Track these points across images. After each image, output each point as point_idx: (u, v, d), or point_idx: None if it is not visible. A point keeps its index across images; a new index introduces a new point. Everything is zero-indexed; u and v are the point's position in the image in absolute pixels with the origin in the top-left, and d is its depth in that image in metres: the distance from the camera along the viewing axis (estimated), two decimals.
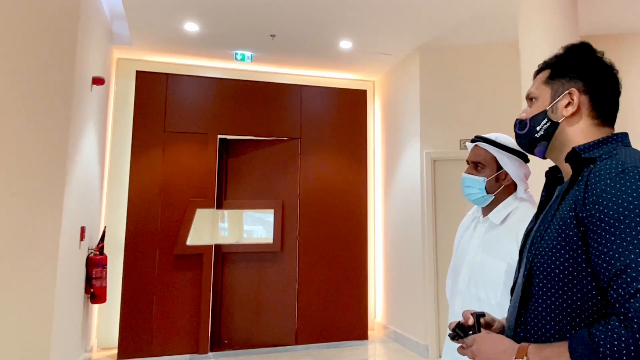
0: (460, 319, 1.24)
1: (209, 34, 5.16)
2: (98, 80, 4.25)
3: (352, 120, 6.10)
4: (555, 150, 1.21)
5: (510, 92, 5.06)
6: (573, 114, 1.16)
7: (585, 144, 1.12)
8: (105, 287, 4.48)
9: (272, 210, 5.69)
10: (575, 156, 1.11)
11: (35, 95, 3.17)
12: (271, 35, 5.18)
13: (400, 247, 5.80)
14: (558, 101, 1.18)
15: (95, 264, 4.38)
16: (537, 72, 1.27)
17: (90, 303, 4.58)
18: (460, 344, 1.20)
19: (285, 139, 5.85)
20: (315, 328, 5.61)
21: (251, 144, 5.83)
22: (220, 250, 5.53)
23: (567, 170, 1.18)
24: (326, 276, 5.74)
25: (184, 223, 5.27)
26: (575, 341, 0.93)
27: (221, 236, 5.72)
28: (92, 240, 4.61)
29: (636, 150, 1.08)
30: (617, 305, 0.90)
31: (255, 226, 5.99)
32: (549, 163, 1.28)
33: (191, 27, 4.96)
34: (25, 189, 3.09)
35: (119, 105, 5.73)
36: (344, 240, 5.86)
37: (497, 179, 1.82)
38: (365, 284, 5.90)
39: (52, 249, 3.20)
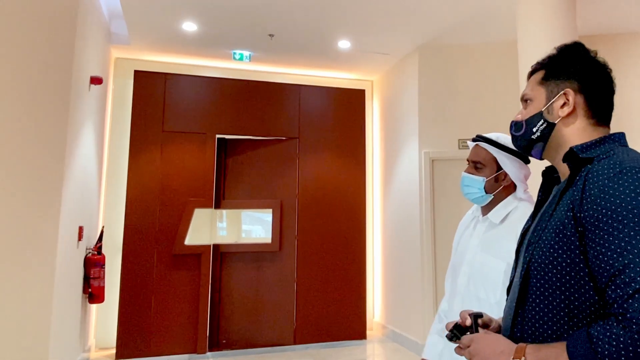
0: (458, 318, 1.24)
1: (208, 34, 5.16)
2: (96, 80, 4.24)
3: (350, 120, 6.10)
4: (552, 151, 1.20)
5: (509, 91, 5.06)
6: (569, 115, 1.16)
7: (582, 144, 1.12)
8: (104, 287, 4.47)
9: (271, 210, 5.69)
10: (573, 156, 1.10)
11: (33, 94, 3.17)
12: (269, 35, 5.17)
13: (399, 246, 5.80)
14: (553, 102, 1.18)
15: (94, 263, 4.37)
16: (531, 73, 1.27)
17: (88, 303, 4.57)
18: (457, 345, 1.19)
19: (284, 138, 5.84)
20: (314, 328, 5.61)
21: (249, 143, 5.82)
22: (219, 250, 5.53)
23: (564, 171, 1.17)
24: (325, 276, 5.74)
25: (182, 223, 5.27)
26: (574, 341, 0.93)
27: (219, 236, 5.72)
28: (90, 240, 4.60)
29: (634, 150, 1.08)
30: (615, 305, 0.90)
31: (253, 226, 5.99)
32: (548, 163, 1.28)
33: (189, 26, 4.95)
34: (23, 189, 3.09)
35: (117, 104, 5.72)
36: (342, 240, 5.86)
37: (496, 179, 1.82)
38: (364, 283, 5.90)
39: (50, 249, 3.19)
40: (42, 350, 3.09)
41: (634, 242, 0.91)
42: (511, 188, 1.85)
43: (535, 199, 1.55)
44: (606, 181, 0.98)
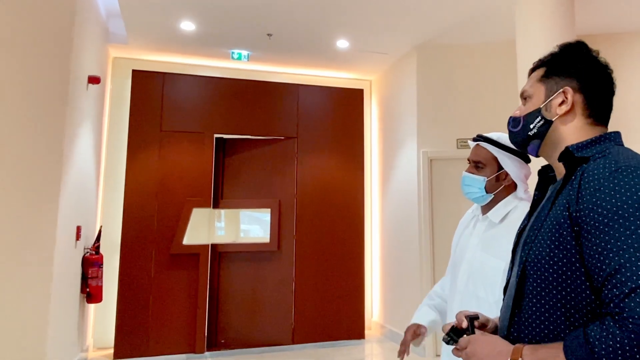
0: (455, 320, 1.24)
1: (206, 33, 5.15)
2: (94, 79, 4.23)
3: (349, 120, 6.10)
4: (548, 148, 1.20)
5: (508, 91, 5.06)
6: (567, 113, 1.16)
7: (578, 143, 1.12)
8: (101, 286, 4.47)
9: (269, 210, 5.69)
10: (569, 155, 1.10)
11: (30, 94, 3.16)
12: (268, 35, 5.17)
13: (397, 245, 5.80)
14: (552, 99, 1.18)
15: (91, 263, 4.37)
16: (532, 70, 1.27)
17: (86, 303, 4.57)
18: (455, 347, 1.19)
19: (282, 138, 5.84)
20: (312, 327, 5.61)
21: (248, 143, 5.82)
22: (217, 250, 5.53)
23: (560, 169, 1.17)
24: (323, 275, 5.74)
25: (181, 222, 5.26)
26: (571, 341, 0.93)
27: (218, 235, 5.71)
28: (88, 240, 4.59)
29: (629, 150, 1.08)
30: (611, 305, 0.90)
31: (251, 225, 5.99)
32: (544, 161, 1.28)
33: (187, 26, 4.95)
34: (21, 189, 3.08)
35: (115, 104, 5.71)
36: (341, 240, 5.86)
37: (497, 178, 1.83)
38: (362, 283, 5.90)
39: (48, 249, 3.19)
40: (39, 350, 3.09)
41: (629, 241, 0.91)
42: (511, 187, 1.85)
43: None
44: (602, 180, 0.98)
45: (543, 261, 1.06)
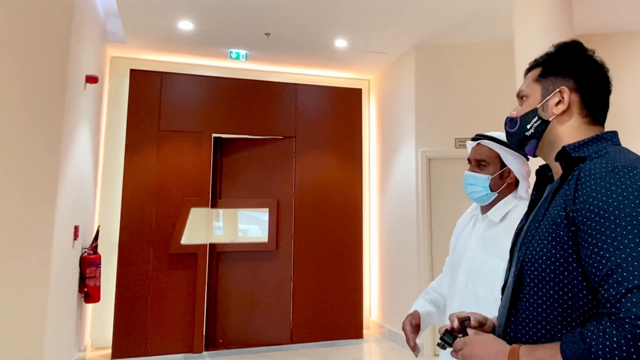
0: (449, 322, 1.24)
1: (204, 33, 5.14)
2: (92, 79, 4.22)
3: (347, 119, 6.10)
4: (545, 148, 1.20)
5: (506, 90, 5.06)
6: (563, 113, 1.16)
7: (575, 143, 1.12)
8: (99, 286, 4.46)
9: (267, 209, 5.68)
10: (565, 155, 1.10)
11: (28, 93, 3.15)
12: (266, 34, 5.16)
13: (396, 245, 5.80)
14: (548, 99, 1.17)
15: (89, 263, 4.36)
16: (528, 70, 1.27)
17: (84, 302, 4.56)
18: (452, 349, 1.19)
19: (280, 137, 5.84)
20: (310, 327, 5.61)
21: (246, 142, 5.81)
22: (215, 249, 5.52)
23: (557, 169, 1.17)
24: (321, 275, 5.74)
25: (179, 222, 5.26)
26: (567, 342, 0.93)
27: (216, 235, 5.71)
28: (85, 240, 4.59)
29: (626, 149, 1.08)
30: (608, 305, 0.90)
31: (250, 225, 5.98)
32: (542, 161, 1.27)
33: (185, 25, 4.94)
34: (18, 188, 3.07)
35: (113, 103, 5.71)
36: (339, 239, 5.86)
37: (501, 176, 1.83)
38: (361, 282, 5.90)
39: (46, 249, 3.18)
40: (37, 350, 3.08)
41: (626, 241, 0.91)
42: (512, 186, 1.85)
43: None
44: (598, 180, 0.98)
45: (540, 261, 1.05)
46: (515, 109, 1.26)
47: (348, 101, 6.14)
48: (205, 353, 5.24)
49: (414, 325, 1.87)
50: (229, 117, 5.62)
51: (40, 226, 3.16)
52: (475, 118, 5.28)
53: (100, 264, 4.49)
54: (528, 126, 1.20)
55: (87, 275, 4.33)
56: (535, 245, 1.08)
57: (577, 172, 1.04)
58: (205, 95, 5.57)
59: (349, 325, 5.74)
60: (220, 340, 5.45)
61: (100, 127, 5.37)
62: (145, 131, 5.31)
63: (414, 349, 1.81)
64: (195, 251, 5.30)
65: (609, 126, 1.18)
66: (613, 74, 1.19)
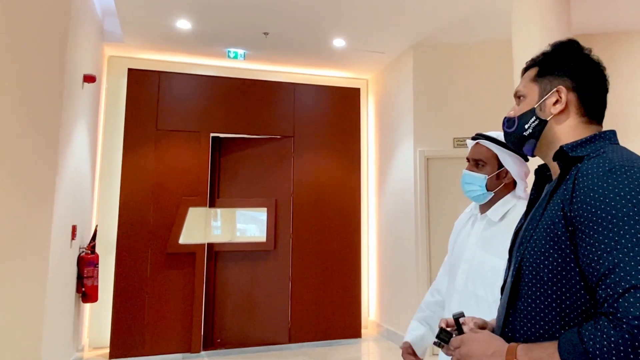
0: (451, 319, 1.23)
1: (202, 32, 5.14)
2: (89, 78, 4.21)
3: (345, 119, 6.10)
4: (543, 148, 1.20)
5: (504, 90, 5.06)
6: (561, 112, 1.15)
7: (573, 143, 1.11)
8: (97, 286, 4.45)
9: (265, 209, 5.68)
10: (563, 155, 1.10)
11: (25, 92, 3.14)
12: (264, 33, 5.16)
13: (394, 244, 5.80)
14: (546, 99, 1.17)
15: (87, 262, 4.35)
16: (525, 70, 1.26)
17: (81, 302, 4.55)
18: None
19: (279, 137, 5.83)
20: (309, 326, 5.61)
21: (244, 142, 5.81)
22: (213, 249, 5.51)
23: (555, 169, 1.17)
24: (319, 274, 5.73)
25: (177, 221, 5.25)
26: (565, 341, 0.92)
27: (214, 235, 5.70)
28: (83, 239, 4.58)
29: (624, 148, 1.08)
30: (605, 304, 0.90)
31: (248, 225, 5.98)
32: (541, 161, 1.27)
33: (183, 24, 4.93)
34: (16, 188, 3.06)
35: (111, 103, 5.69)
36: (337, 239, 5.86)
37: (497, 176, 1.83)
38: (359, 282, 5.90)
39: (43, 248, 3.17)
40: (35, 350, 3.07)
41: (623, 241, 0.90)
42: (511, 186, 1.85)
43: None
44: (595, 180, 0.98)
45: (538, 261, 1.05)
46: (512, 109, 1.26)
47: (346, 101, 6.14)
48: (203, 353, 5.23)
49: (412, 353, 1.92)
50: (227, 116, 5.61)
51: (37, 226, 3.16)
52: (474, 118, 5.28)
53: (97, 264, 4.48)
54: (526, 126, 1.20)
55: (85, 275, 4.32)
56: (533, 245, 1.08)
57: (574, 172, 1.04)
58: (203, 94, 5.56)
59: (347, 324, 5.74)
60: (219, 340, 5.44)
61: (97, 126, 5.36)
62: (143, 130, 5.30)
63: None
64: (193, 251, 5.29)
65: (607, 125, 1.18)
66: (611, 74, 1.19)
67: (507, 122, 1.25)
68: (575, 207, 0.99)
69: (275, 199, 5.70)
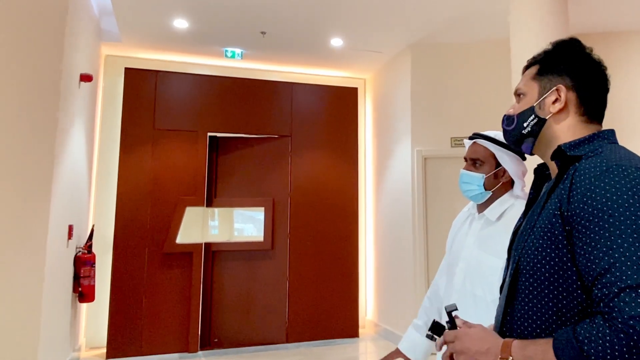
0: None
1: (199, 31, 5.13)
2: (86, 77, 4.20)
3: (343, 118, 6.09)
4: (542, 146, 1.20)
5: (501, 90, 5.07)
6: (560, 111, 1.15)
7: (571, 142, 1.11)
8: (94, 285, 4.44)
9: (263, 208, 5.67)
10: (561, 154, 1.10)
11: (22, 92, 3.13)
12: (262, 33, 5.15)
13: (391, 244, 5.80)
14: (545, 97, 1.17)
15: (84, 262, 4.33)
16: (526, 68, 1.26)
17: (78, 302, 4.54)
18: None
19: (276, 136, 5.83)
20: (306, 326, 5.61)
21: (241, 141, 5.80)
22: (210, 249, 5.51)
23: (554, 168, 1.17)
24: (317, 274, 5.73)
25: (174, 221, 5.24)
26: (560, 339, 0.93)
27: (211, 234, 5.69)
28: (80, 239, 4.56)
29: (622, 148, 1.07)
30: (601, 304, 0.90)
31: (245, 224, 5.97)
32: (540, 160, 1.27)
33: (181, 23, 4.92)
34: (12, 187, 3.05)
35: (108, 102, 5.68)
36: (335, 238, 5.86)
37: (495, 175, 1.83)
38: (356, 281, 5.90)
39: (40, 248, 3.16)
40: (31, 350, 3.06)
41: (619, 240, 0.90)
42: (508, 185, 1.86)
43: None
44: (592, 179, 0.98)
45: (535, 260, 1.05)
46: (512, 107, 1.25)
47: (344, 100, 6.13)
48: (200, 352, 5.23)
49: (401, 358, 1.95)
50: (225, 116, 5.61)
51: (34, 225, 3.15)
52: (471, 117, 5.28)
53: (94, 264, 4.46)
54: (525, 124, 1.20)
55: (82, 275, 4.31)
56: (531, 244, 1.08)
57: (572, 171, 1.04)
58: (200, 94, 5.56)
59: (344, 324, 5.74)
60: (216, 340, 5.44)
61: (94, 125, 5.34)
62: (140, 130, 5.29)
63: None
64: (190, 250, 5.28)
65: (603, 125, 1.18)
66: (609, 74, 1.19)
67: (507, 119, 1.25)
68: (572, 206, 0.99)
69: (272, 198, 5.70)
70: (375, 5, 4.50)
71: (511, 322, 1.10)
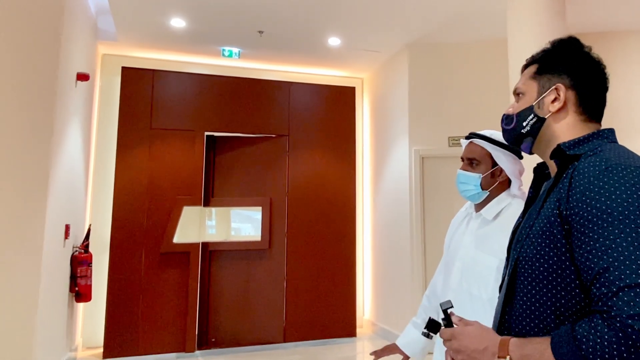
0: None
1: (196, 30, 5.11)
2: (82, 76, 4.19)
3: (340, 118, 6.09)
4: (541, 146, 1.20)
5: (499, 89, 5.07)
6: (559, 110, 1.15)
7: (570, 141, 1.11)
8: (91, 285, 4.42)
9: (260, 208, 5.67)
10: (560, 153, 1.10)
11: (18, 91, 3.12)
12: (259, 32, 5.14)
13: (389, 243, 5.80)
14: (544, 96, 1.17)
15: (80, 262, 4.32)
16: (525, 67, 1.26)
17: (75, 302, 4.53)
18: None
19: (273, 136, 5.82)
20: (304, 326, 5.60)
21: (239, 141, 5.79)
22: (208, 248, 5.50)
23: (553, 167, 1.17)
24: (314, 274, 5.73)
25: (171, 221, 5.23)
26: (558, 338, 0.92)
27: (208, 234, 5.69)
28: (77, 239, 4.55)
29: (622, 147, 1.07)
30: (600, 303, 0.90)
31: (243, 224, 5.97)
32: (540, 159, 1.27)
33: (178, 22, 4.91)
34: (8, 187, 3.04)
35: (104, 101, 5.66)
36: (332, 238, 5.85)
37: (492, 175, 1.83)
38: (354, 281, 5.90)
39: (36, 247, 3.15)
40: (27, 350, 3.05)
41: (618, 240, 0.90)
42: (505, 184, 1.86)
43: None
44: (592, 179, 0.98)
45: (534, 259, 1.05)
46: (511, 106, 1.25)
47: (341, 99, 6.13)
48: (197, 352, 5.22)
49: (389, 351, 1.98)
50: (222, 115, 5.60)
51: (30, 225, 3.13)
52: (469, 117, 5.28)
53: (91, 263, 4.45)
54: (524, 123, 1.20)
55: (78, 275, 4.30)
56: (530, 243, 1.08)
57: (571, 171, 1.04)
58: (197, 93, 5.54)
59: (342, 323, 5.74)
60: (213, 339, 5.43)
61: (91, 125, 5.33)
62: (137, 129, 5.27)
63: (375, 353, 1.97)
64: (187, 250, 5.27)
65: (602, 124, 1.18)
66: (608, 72, 1.18)
67: (506, 119, 1.25)
68: (571, 205, 0.99)
69: (270, 198, 5.69)
70: (373, 4, 4.49)
71: (510, 320, 1.11)
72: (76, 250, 4.42)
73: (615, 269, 0.89)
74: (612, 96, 1.21)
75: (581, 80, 1.14)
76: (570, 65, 1.15)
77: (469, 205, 1.97)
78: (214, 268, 5.55)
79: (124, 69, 5.36)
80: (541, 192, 1.18)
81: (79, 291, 4.31)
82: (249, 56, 5.89)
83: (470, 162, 1.87)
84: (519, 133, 1.21)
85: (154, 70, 5.45)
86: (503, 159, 1.82)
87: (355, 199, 6.07)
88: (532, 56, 1.24)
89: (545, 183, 1.21)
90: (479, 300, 1.73)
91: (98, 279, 5.24)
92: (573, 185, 1.00)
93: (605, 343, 0.85)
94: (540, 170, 1.26)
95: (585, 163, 1.02)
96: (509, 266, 1.17)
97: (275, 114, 5.81)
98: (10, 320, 2.99)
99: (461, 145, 1.97)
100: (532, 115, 1.18)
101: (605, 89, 1.17)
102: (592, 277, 0.92)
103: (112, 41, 5.37)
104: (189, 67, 5.96)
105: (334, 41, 5.41)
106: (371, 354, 1.97)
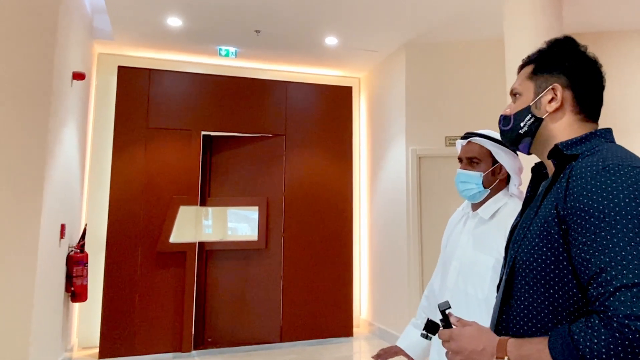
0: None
1: (193, 29, 5.10)
2: (78, 75, 4.17)
3: (337, 117, 6.09)
4: (539, 146, 1.19)
5: (496, 89, 5.08)
6: (556, 110, 1.15)
7: (567, 141, 1.11)
8: (86, 285, 4.41)
9: (257, 208, 5.66)
10: (558, 153, 1.10)
11: (13, 90, 3.10)
12: (256, 31, 5.13)
13: (386, 243, 5.81)
14: (541, 97, 1.16)
15: (76, 262, 4.31)
16: (521, 67, 1.25)
17: (70, 302, 4.51)
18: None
19: (270, 135, 5.81)
20: (300, 325, 5.60)
21: (235, 140, 5.78)
22: (204, 248, 5.49)
23: (551, 167, 1.17)
24: (311, 273, 5.72)
25: (167, 220, 5.21)
26: (556, 338, 0.92)
27: (205, 233, 5.67)
28: (72, 238, 4.53)
29: (619, 147, 1.07)
30: (597, 303, 0.90)
31: (239, 223, 5.96)
32: (538, 159, 1.27)
33: (174, 22, 4.90)
34: (4, 186, 3.02)
35: (100, 101, 5.64)
36: (329, 237, 5.85)
37: (493, 172, 1.83)
38: (351, 280, 5.90)
39: (32, 247, 3.14)
40: (22, 350, 3.04)
41: (615, 240, 0.90)
42: (503, 183, 1.86)
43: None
44: (589, 179, 0.98)
45: (531, 259, 1.05)
46: (508, 107, 1.25)
47: (338, 99, 6.13)
48: (194, 352, 5.21)
49: (391, 354, 1.96)
50: (219, 114, 5.58)
51: (26, 224, 3.12)
52: (466, 116, 5.29)
53: (87, 263, 4.44)
54: (521, 124, 1.20)
55: (74, 274, 4.28)
56: (527, 243, 1.08)
57: (569, 170, 1.04)
58: (194, 92, 5.53)
59: (338, 323, 5.74)
60: (209, 339, 5.42)
61: (87, 124, 5.31)
62: (133, 129, 5.25)
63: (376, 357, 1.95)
64: (184, 250, 5.26)
65: (601, 124, 1.18)
66: (604, 71, 1.18)
67: (503, 120, 1.25)
68: (569, 205, 0.99)
69: (266, 197, 5.68)
70: (370, 4, 4.49)
71: (507, 320, 1.10)
72: (72, 250, 4.41)
73: (613, 269, 0.88)
74: (608, 96, 1.21)
75: (578, 80, 1.14)
76: (567, 65, 1.15)
77: (465, 205, 1.97)
78: (210, 268, 5.54)
79: (120, 68, 5.34)
80: (539, 192, 1.18)
81: (75, 291, 4.30)
82: (246, 55, 5.88)
83: (470, 161, 1.87)
84: (517, 134, 1.21)
85: (150, 70, 5.43)
86: (503, 156, 1.82)
87: (352, 198, 6.07)
88: (528, 56, 1.24)
89: (543, 183, 1.21)
90: (474, 299, 1.73)
91: (94, 278, 5.22)
92: (570, 185, 1.00)
93: (602, 343, 0.85)
94: (538, 170, 1.26)
95: (583, 163, 1.02)
96: (506, 266, 1.16)
97: (272, 113, 5.80)
98: (6, 320, 2.98)
99: (456, 146, 1.97)
100: (530, 115, 1.18)
101: (602, 88, 1.17)
102: (589, 277, 0.92)
103: (108, 40, 5.34)
104: (186, 67, 5.95)
105: (331, 40, 5.40)
106: (373, 358, 1.94)
